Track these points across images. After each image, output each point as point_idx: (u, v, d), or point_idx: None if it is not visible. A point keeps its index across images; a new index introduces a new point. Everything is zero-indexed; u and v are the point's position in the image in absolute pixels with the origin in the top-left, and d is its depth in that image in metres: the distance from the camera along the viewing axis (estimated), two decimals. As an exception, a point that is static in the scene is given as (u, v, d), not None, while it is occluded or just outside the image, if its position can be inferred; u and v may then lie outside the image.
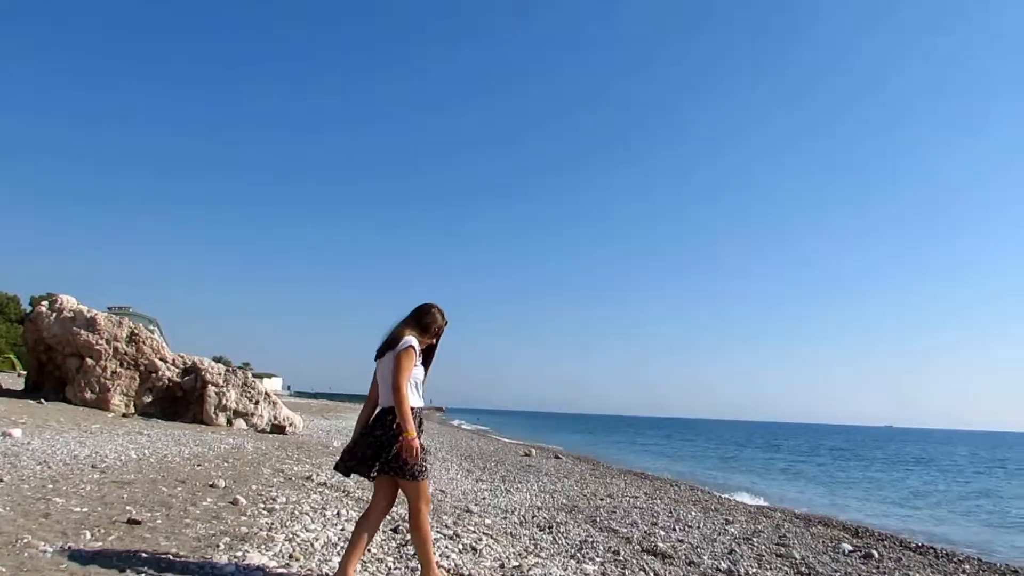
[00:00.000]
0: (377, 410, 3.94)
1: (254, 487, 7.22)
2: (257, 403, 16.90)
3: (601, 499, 10.91)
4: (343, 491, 7.93)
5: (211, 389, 16.28)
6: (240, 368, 19.62)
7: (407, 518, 4.14)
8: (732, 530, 8.91)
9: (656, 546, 7.07)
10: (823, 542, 8.77)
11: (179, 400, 16.52)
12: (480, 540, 5.94)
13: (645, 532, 7.93)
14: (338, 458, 4.02)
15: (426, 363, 4.11)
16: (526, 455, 20.65)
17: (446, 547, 5.44)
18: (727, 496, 14.23)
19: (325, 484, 8.32)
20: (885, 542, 9.56)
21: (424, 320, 4.06)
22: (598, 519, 8.65)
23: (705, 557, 6.81)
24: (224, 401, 16.31)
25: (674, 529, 8.46)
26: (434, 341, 4.14)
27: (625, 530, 7.94)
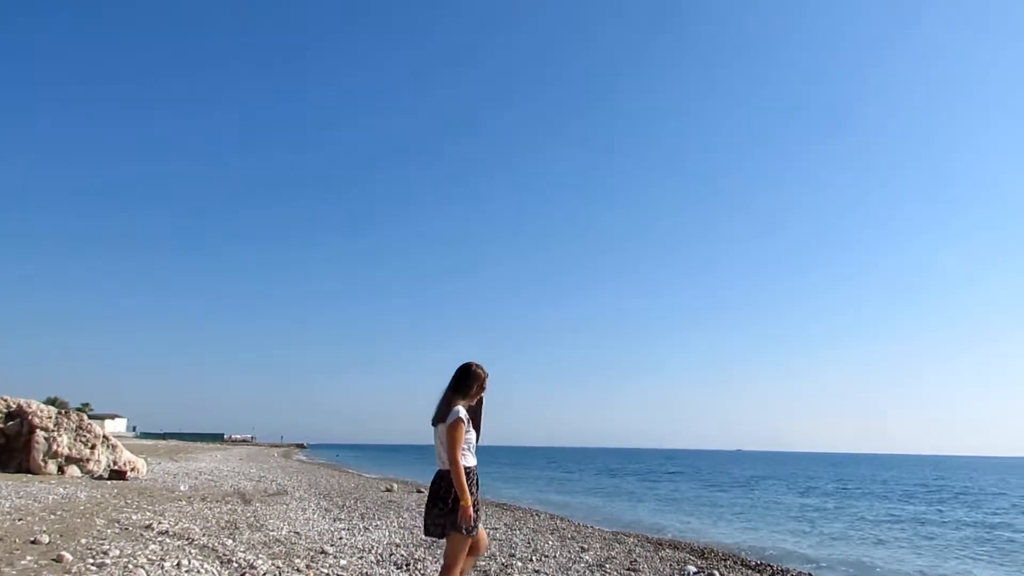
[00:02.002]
0: (437, 470, 4.43)
1: (84, 541, 6.69)
2: (94, 447, 15.70)
3: (461, 533, 10.88)
4: (186, 539, 7.50)
5: (40, 434, 14.98)
6: (77, 410, 18.14)
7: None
8: (587, 557, 9.14)
9: (512, 578, 7.14)
10: (670, 565, 9.17)
11: (1, 448, 15.05)
12: (332, 583, 5.79)
13: (503, 564, 7.99)
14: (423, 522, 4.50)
15: (477, 417, 4.55)
16: (387, 490, 20.27)
17: (295, 593, 5.25)
18: (584, 524, 14.57)
19: (167, 533, 7.83)
20: (727, 561, 10.13)
21: (465, 384, 4.46)
22: (457, 554, 8.62)
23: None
24: (55, 447, 15.04)
25: (531, 559, 8.57)
26: (482, 394, 4.57)
27: (482, 563, 7.96)
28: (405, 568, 7.31)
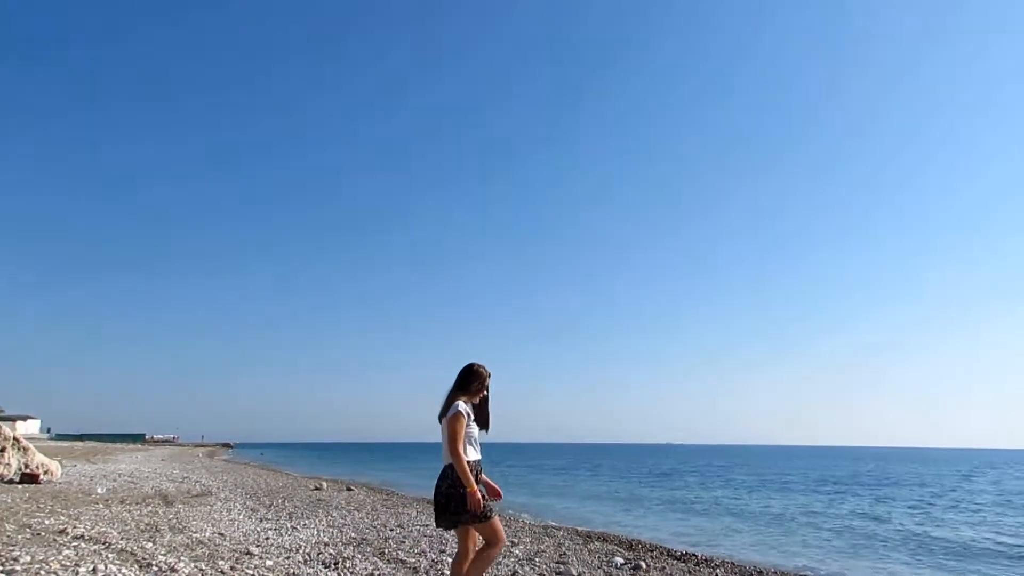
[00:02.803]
0: (443, 466, 4.61)
1: (-8, 547, 6.38)
2: (3, 450, 14.96)
3: (391, 530, 10.82)
4: (103, 543, 7.24)
5: (-57, 436, 14.18)
6: (-17, 411, 17.24)
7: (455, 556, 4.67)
8: (517, 552, 9.21)
9: (442, 574, 7.14)
10: (599, 557, 9.31)
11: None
12: (257, 584, 5.69)
13: (433, 560, 7.98)
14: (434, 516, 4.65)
15: (483, 414, 4.82)
16: (316, 489, 19.97)
17: (219, 595, 5.14)
18: (514, 517, 14.67)
19: (82, 537, 7.54)
20: (654, 552, 10.36)
21: (466, 383, 4.71)
22: (387, 551, 8.57)
23: (489, 580, 6.98)
24: (-40, 450, 14.26)
25: (462, 555, 8.59)
26: (485, 393, 4.81)
27: (413, 560, 7.94)
28: (334, 567, 7.23)
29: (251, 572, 6.46)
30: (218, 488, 18.56)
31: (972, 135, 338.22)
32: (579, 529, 13.20)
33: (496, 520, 4.57)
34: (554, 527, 13.21)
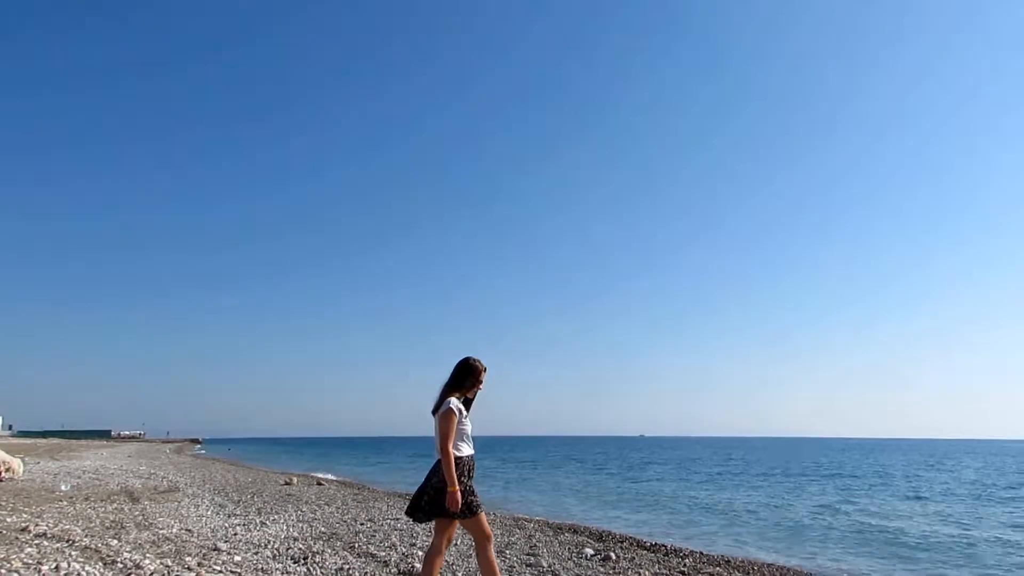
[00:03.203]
0: (435, 460, 4.63)
1: (-50, 546, 6.25)
2: (-37, 447, 14.63)
3: (362, 524, 10.78)
4: (67, 541, 7.13)
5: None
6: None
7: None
8: (488, 544, 9.22)
9: (413, 567, 7.13)
10: (569, 548, 9.37)
11: None
12: (225, 580, 5.63)
13: (403, 554, 7.97)
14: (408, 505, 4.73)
15: (468, 404, 4.83)
16: (286, 484, 19.82)
17: (185, 591, 5.08)
18: (486, 510, 14.67)
19: (45, 535, 7.42)
20: (623, 543, 10.43)
21: (460, 378, 4.74)
22: (356, 545, 8.54)
23: (459, 574, 6.99)
24: (-82, 447, 13.91)
25: (432, 548, 8.58)
26: (479, 387, 4.82)
27: (383, 554, 7.92)
28: (303, 562, 7.18)
29: (219, 568, 6.40)
30: (186, 484, 18.35)
31: (1001, 127, 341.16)
32: (550, 521, 13.26)
33: (482, 516, 4.61)
34: (524, 519, 13.26)
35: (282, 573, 6.50)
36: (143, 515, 10.49)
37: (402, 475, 30.78)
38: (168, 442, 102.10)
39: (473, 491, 4.60)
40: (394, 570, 7.03)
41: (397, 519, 11.48)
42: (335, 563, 7.20)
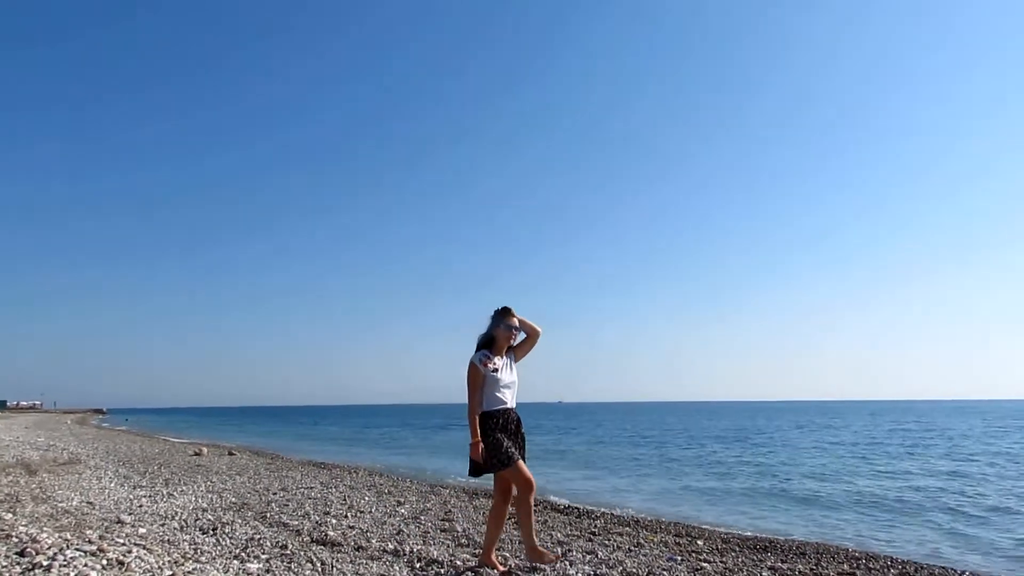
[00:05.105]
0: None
1: None
2: None
3: (274, 493, 10.65)
4: (-44, 516, 6.78)
5: None
6: None
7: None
8: (403, 511, 9.28)
9: (326, 535, 7.10)
10: (483, 513, 9.49)
11: None
12: (130, 552, 5.49)
13: (316, 522, 7.94)
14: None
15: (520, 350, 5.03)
16: (196, 454, 19.32)
17: (87, 565, 4.92)
18: (402, 479, 14.72)
19: (-69, 510, 7.03)
20: (537, 507, 10.66)
21: (489, 329, 4.88)
22: (268, 514, 8.45)
23: (374, 540, 7.00)
24: None
25: (346, 516, 8.57)
26: (513, 334, 4.88)
27: (296, 523, 7.87)
28: (211, 532, 7.06)
29: (122, 541, 6.22)
30: (88, 456, 17.68)
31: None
32: (465, 487, 13.42)
33: (521, 464, 4.72)
34: (440, 486, 13.36)
35: (190, 544, 6.37)
36: (41, 488, 10.07)
37: (312, 445, 30.49)
38: (69, 412, 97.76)
39: (503, 444, 4.66)
40: (307, 538, 6.99)
41: (311, 487, 11.40)
42: (245, 533, 7.11)
